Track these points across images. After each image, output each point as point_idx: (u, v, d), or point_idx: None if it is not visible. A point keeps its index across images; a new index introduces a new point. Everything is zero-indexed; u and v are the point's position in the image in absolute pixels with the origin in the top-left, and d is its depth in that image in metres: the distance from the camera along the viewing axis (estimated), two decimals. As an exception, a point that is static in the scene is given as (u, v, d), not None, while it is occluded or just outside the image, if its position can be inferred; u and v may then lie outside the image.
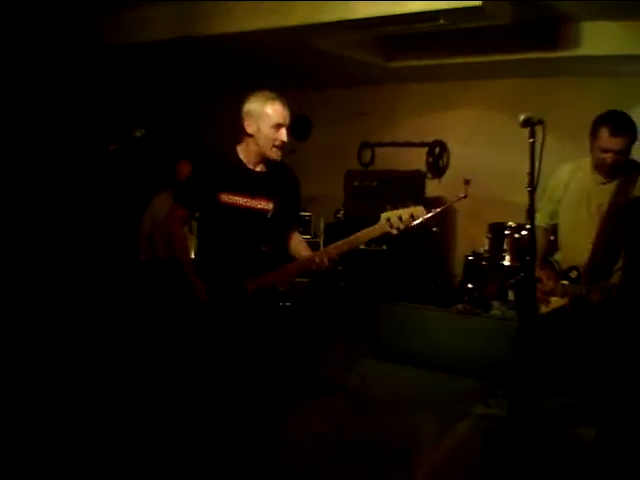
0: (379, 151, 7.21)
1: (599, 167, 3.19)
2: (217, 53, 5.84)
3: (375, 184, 6.16)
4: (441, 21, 4.36)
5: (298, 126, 7.80)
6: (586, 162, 3.30)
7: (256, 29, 4.83)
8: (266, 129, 2.80)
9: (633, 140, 3.10)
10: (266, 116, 2.80)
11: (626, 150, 3.10)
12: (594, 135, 3.15)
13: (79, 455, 3.25)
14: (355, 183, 6.20)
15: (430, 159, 6.92)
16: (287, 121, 2.82)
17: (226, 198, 2.81)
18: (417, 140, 6.91)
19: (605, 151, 3.10)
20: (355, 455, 3.38)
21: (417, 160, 6.80)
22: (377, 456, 3.35)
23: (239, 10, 4.84)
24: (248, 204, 2.82)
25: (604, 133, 3.09)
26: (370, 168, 7.16)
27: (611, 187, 3.20)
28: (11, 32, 5.42)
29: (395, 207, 2.72)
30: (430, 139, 6.90)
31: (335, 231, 6.58)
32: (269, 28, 4.77)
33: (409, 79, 6.77)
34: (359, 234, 2.71)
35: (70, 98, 6.49)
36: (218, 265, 2.85)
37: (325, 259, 2.73)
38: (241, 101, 2.91)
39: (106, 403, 3.84)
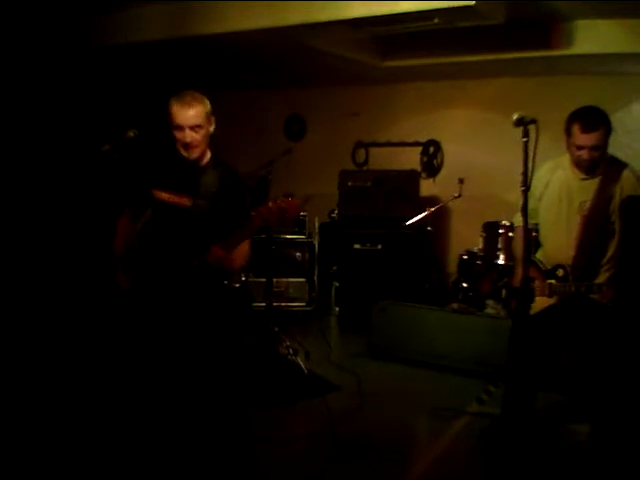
0: (373, 151, 7.22)
1: (578, 164, 3.20)
2: (211, 52, 5.84)
3: (369, 184, 6.15)
4: (435, 20, 4.38)
5: (292, 126, 7.81)
6: (565, 159, 3.31)
7: (250, 29, 4.83)
8: (173, 130, 2.94)
9: (607, 133, 3.11)
10: (171, 118, 2.94)
11: (601, 144, 3.11)
12: (568, 133, 3.17)
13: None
14: (349, 183, 6.19)
15: (424, 159, 6.93)
16: (190, 122, 2.88)
17: (157, 194, 3.01)
18: (411, 140, 6.92)
19: (580, 148, 3.12)
20: (350, 454, 3.38)
21: (411, 160, 6.81)
22: (372, 455, 3.35)
23: (234, 10, 4.84)
24: (171, 200, 2.98)
25: (576, 130, 3.11)
26: (364, 168, 7.16)
27: (593, 184, 3.21)
28: (5, 31, 5.40)
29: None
30: (424, 139, 6.91)
31: (329, 231, 6.59)
32: (263, 28, 4.78)
33: (403, 78, 6.78)
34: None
35: (63, 98, 6.47)
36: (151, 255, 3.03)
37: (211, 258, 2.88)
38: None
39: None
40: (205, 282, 3.01)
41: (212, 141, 3.07)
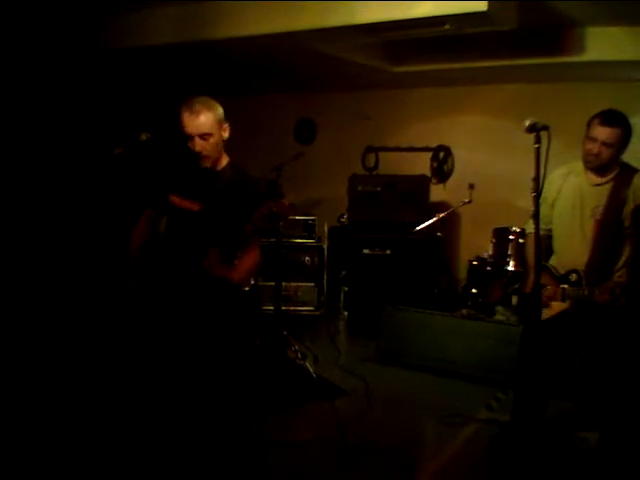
0: (383, 155, 7.22)
1: (584, 158, 3.22)
2: (223, 56, 5.86)
3: (379, 188, 6.15)
4: (446, 26, 4.37)
5: (303, 130, 7.82)
6: (578, 165, 3.32)
7: (262, 33, 4.84)
8: (187, 138, 2.86)
9: (623, 135, 3.14)
10: (182, 127, 2.85)
11: (613, 143, 3.13)
12: (587, 127, 3.20)
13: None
14: (359, 187, 6.19)
15: (434, 164, 6.93)
16: (199, 130, 2.81)
17: (171, 198, 2.97)
18: (421, 145, 6.92)
19: (592, 140, 3.15)
20: (358, 459, 3.37)
21: (421, 165, 6.80)
22: (380, 460, 3.34)
23: (245, 14, 4.86)
24: (182, 204, 2.94)
25: (595, 122, 3.16)
26: (374, 172, 7.17)
27: (605, 189, 3.22)
28: (16, 34, 5.44)
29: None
30: (434, 144, 6.90)
31: (339, 235, 6.60)
32: (274, 32, 4.79)
33: (414, 84, 6.78)
34: None
35: (76, 101, 6.51)
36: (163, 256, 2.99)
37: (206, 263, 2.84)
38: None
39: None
40: (215, 286, 2.97)
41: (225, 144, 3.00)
